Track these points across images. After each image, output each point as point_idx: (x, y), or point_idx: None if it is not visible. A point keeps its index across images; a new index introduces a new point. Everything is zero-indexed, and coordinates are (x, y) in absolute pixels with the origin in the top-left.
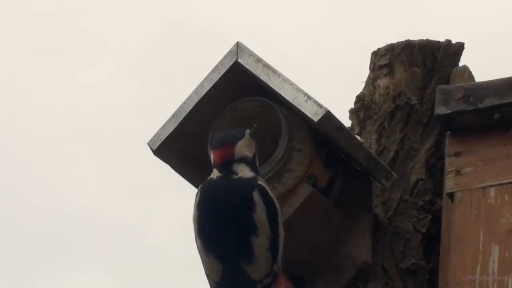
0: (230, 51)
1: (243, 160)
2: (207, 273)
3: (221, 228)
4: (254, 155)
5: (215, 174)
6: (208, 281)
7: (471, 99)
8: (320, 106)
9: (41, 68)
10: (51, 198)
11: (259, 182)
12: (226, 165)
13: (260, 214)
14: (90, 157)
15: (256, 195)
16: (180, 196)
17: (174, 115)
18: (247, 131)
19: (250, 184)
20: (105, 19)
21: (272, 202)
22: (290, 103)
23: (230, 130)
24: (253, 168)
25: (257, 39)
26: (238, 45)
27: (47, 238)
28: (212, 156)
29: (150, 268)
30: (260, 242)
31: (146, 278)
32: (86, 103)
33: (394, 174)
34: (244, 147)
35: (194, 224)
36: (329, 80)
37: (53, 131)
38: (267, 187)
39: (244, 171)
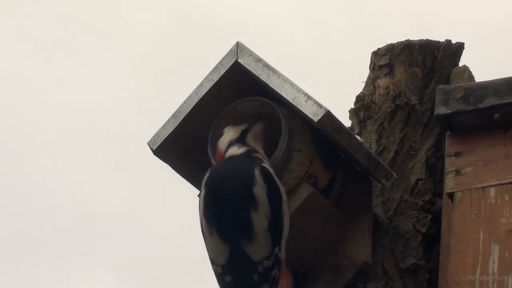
0: (230, 51)
1: (230, 145)
2: (212, 258)
3: (225, 204)
4: (241, 134)
5: None
6: (213, 267)
7: (471, 99)
8: (320, 106)
9: (46, 66)
10: (56, 196)
11: (263, 164)
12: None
13: (259, 190)
14: (97, 155)
15: (257, 172)
16: (186, 194)
17: (174, 115)
18: (225, 129)
19: (252, 162)
20: (107, 20)
21: (274, 184)
22: (290, 103)
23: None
24: (242, 143)
25: (261, 38)
26: (238, 45)
27: (53, 237)
28: None
29: (156, 266)
30: (259, 219)
31: (152, 276)
32: (88, 102)
33: (394, 174)
34: (224, 139)
35: (200, 203)
36: (333, 80)
37: (58, 130)
38: (271, 170)
39: (235, 150)
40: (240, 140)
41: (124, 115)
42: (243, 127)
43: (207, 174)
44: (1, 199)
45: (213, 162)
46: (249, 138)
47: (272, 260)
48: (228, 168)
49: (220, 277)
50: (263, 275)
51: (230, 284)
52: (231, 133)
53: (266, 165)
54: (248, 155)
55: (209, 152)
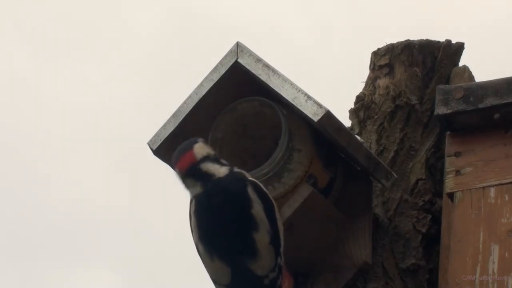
0: (230, 51)
1: (207, 158)
2: (215, 278)
3: (222, 229)
4: (215, 154)
5: (194, 186)
6: (217, 287)
7: (471, 99)
8: (320, 106)
9: (47, 66)
10: (56, 196)
11: (250, 178)
12: (193, 168)
13: (258, 209)
14: (97, 155)
15: (250, 191)
16: (186, 194)
17: (174, 115)
18: (200, 139)
19: (241, 181)
20: (107, 19)
21: (267, 196)
22: (290, 103)
23: (182, 143)
24: (220, 162)
25: (261, 38)
26: (238, 45)
27: (53, 237)
28: (176, 172)
29: (156, 266)
30: (262, 237)
31: (152, 276)
32: (88, 102)
33: (394, 174)
34: (201, 148)
35: (194, 231)
36: (333, 80)
37: (58, 130)
38: (258, 182)
39: (215, 169)
40: (216, 158)
41: (124, 115)
42: (212, 150)
43: (194, 204)
44: (1, 199)
45: (179, 164)
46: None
47: (277, 270)
48: (219, 194)
49: None
50: (270, 287)
51: None
52: (208, 148)
53: (250, 176)
54: (232, 175)
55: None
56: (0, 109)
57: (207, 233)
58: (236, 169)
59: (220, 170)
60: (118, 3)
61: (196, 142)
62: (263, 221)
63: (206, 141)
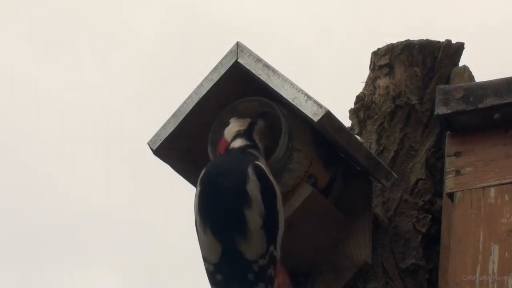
0: (230, 51)
1: (236, 136)
2: (205, 255)
3: (218, 201)
4: (248, 127)
5: None
6: (205, 265)
7: (471, 99)
8: (320, 106)
9: (46, 66)
10: (56, 196)
11: (257, 162)
12: (228, 151)
13: (252, 186)
14: (97, 155)
15: (250, 170)
16: (187, 194)
17: (174, 115)
18: (232, 118)
19: (246, 160)
20: (107, 20)
21: (268, 182)
22: (290, 103)
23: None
24: (248, 137)
25: (261, 38)
26: (238, 45)
27: (52, 237)
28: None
29: (156, 266)
30: (253, 217)
31: (153, 276)
32: (88, 102)
33: (394, 174)
34: (231, 128)
35: (195, 199)
36: (333, 80)
37: (58, 130)
38: (265, 168)
39: (237, 142)
40: (247, 132)
41: (124, 115)
42: (249, 120)
43: (203, 171)
44: (1, 199)
45: (219, 152)
46: (255, 132)
47: (268, 258)
48: (222, 165)
49: (211, 275)
50: (259, 274)
51: (221, 283)
52: (238, 123)
53: (261, 163)
54: (245, 151)
55: (209, 152)
56: (0, 109)
57: (204, 202)
58: (251, 150)
59: (239, 143)
60: (118, 3)
61: (227, 125)
62: (256, 201)
63: (238, 117)
